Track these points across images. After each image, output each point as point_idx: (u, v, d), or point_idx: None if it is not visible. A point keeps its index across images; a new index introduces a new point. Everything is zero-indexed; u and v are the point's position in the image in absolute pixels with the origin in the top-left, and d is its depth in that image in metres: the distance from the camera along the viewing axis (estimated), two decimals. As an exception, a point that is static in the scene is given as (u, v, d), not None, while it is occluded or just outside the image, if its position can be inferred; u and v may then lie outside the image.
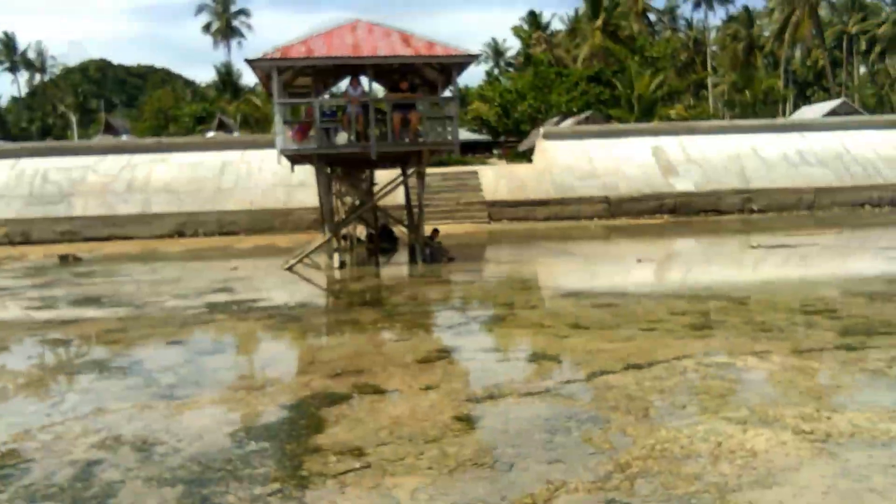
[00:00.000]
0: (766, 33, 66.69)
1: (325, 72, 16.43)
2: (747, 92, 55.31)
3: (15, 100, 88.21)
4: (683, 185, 29.27)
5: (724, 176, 29.74)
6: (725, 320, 7.17)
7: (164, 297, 10.83)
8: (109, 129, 49.87)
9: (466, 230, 24.06)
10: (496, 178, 29.49)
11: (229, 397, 5.09)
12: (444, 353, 6.20)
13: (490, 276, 12.31)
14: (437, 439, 4.11)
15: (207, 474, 3.77)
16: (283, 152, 13.79)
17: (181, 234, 26.73)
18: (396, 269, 14.45)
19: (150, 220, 27.02)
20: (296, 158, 15.94)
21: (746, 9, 68.05)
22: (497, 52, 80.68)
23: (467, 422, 4.40)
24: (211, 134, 43.61)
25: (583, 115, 40.13)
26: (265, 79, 14.28)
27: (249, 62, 13.50)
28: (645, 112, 43.57)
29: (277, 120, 13.73)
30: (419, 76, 16.20)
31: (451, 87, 14.62)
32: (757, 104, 54.07)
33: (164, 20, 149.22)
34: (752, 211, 29.04)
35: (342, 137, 14.72)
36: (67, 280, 13.96)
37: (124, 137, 43.04)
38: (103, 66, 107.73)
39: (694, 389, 4.83)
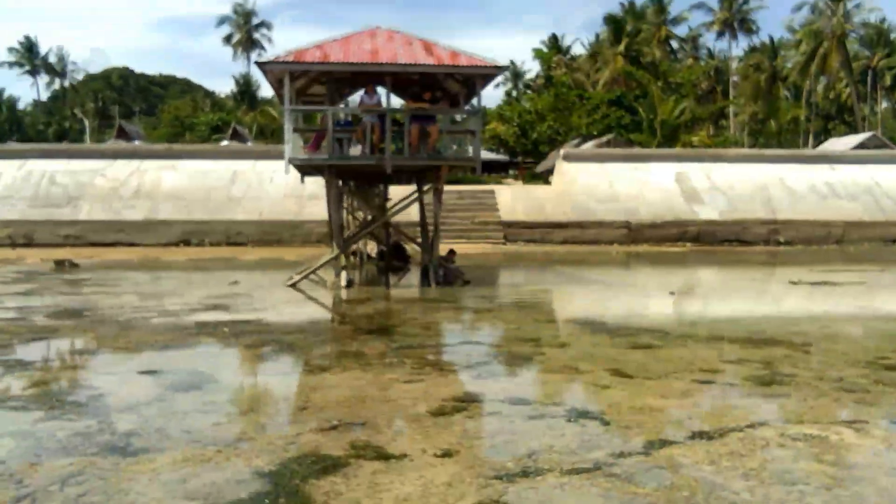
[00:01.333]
0: (790, 64, 65.63)
1: (341, 80, 15.50)
2: (772, 122, 54.17)
3: (36, 104, 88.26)
4: (707, 213, 28.22)
5: (750, 206, 28.67)
6: (794, 374, 6.08)
7: (152, 312, 9.85)
8: (122, 135, 49.35)
9: (482, 251, 23.05)
10: (513, 199, 28.55)
11: (194, 455, 4.05)
12: (463, 404, 5.15)
13: (510, 303, 11.25)
14: (457, 538, 3.07)
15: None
16: (291, 161, 12.85)
17: (187, 243, 25.94)
18: (407, 290, 13.43)
19: (156, 228, 26.26)
20: (306, 169, 15.02)
21: (771, 39, 67.02)
22: (516, 74, 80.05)
23: (497, 510, 3.35)
24: (225, 143, 42.95)
25: (604, 139, 39.19)
26: (277, 84, 13.38)
27: (260, 65, 12.63)
28: (667, 138, 42.55)
29: (287, 128, 12.80)
30: (440, 89, 15.25)
31: (474, 101, 13.65)
32: (782, 134, 52.93)
33: (188, 32, 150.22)
34: (778, 243, 27.92)
35: (356, 150, 13.81)
36: (55, 288, 13.03)
37: (136, 143, 42.45)
38: (125, 74, 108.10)
39: (789, 476, 3.75)
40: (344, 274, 13.24)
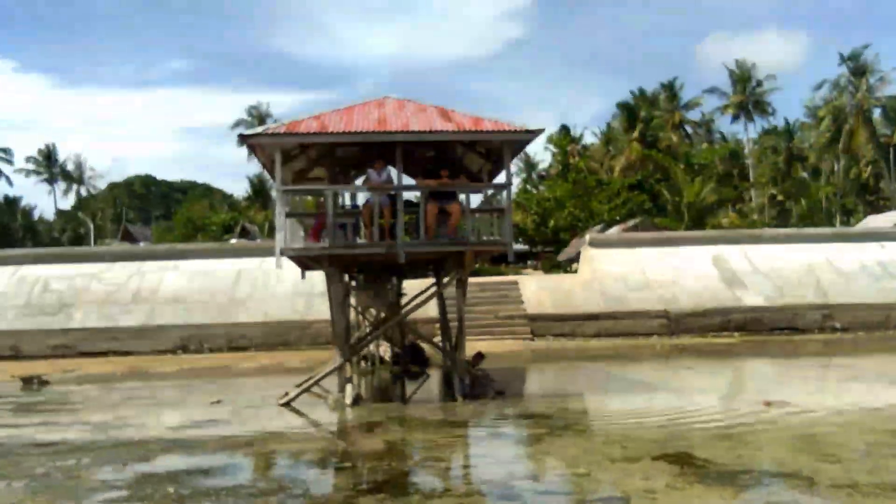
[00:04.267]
0: (807, 144, 64.26)
1: (345, 160, 13.60)
2: (802, 202, 52.13)
3: (60, 213, 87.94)
4: (752, 298, 25.57)
5: (798, 289, 26.02)
6: None
7: (90, 457, 7.41)
8: (128, 238, 48.06)
9: (509, 349, 20.50)
10: (539, 289, 26.15)
11: None
12: None
13: (561, 424, 8.68)
14: None
15: None
16: (283, 253, 10.63)
17: (185, 350, 23.61)
18: (428, 407, 10.90)
19: (151, 334, 24.01)
20: (305, 262, 12.84)
21: (786, 121, 66.12)
22: (530, 165, 79.21)
23: None
24: (233, 241, 41.30)
25: (630, 223, 37.12)
26: (269, 163, 11.40)
27: (246, 138, 10.67)
28: (695, 221, 40.45)
29: (279, 211, 10.68)
30: (460, 166, 13.22)
31: (504, 174, 11.47)
32: (815, 214, 50.82)
33: (209, 140, 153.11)
34: (834, 329, 25.08)
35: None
36: (-4, 418, 10.66)
37: (141, 245, 40.92)
38: (148, 181, 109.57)
39: None
40: (349, 388, 10.79)
